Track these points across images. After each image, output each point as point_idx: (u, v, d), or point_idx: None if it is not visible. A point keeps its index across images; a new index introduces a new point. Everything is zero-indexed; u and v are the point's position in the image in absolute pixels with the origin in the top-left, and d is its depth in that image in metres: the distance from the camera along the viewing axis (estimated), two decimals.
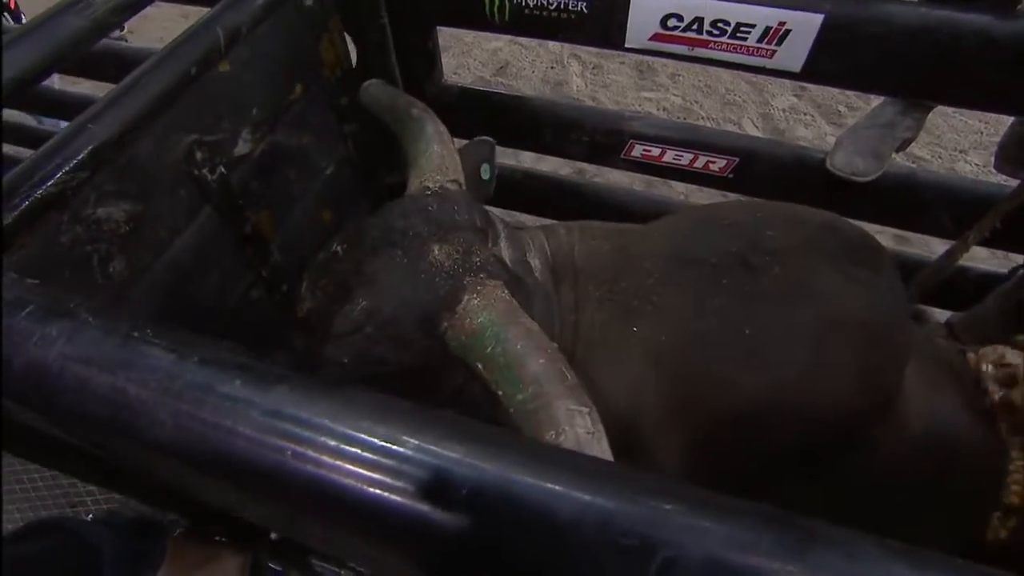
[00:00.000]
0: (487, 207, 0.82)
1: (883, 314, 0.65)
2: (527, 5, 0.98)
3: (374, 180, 1.31)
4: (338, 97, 1.12)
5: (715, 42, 0.94)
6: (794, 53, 0.92)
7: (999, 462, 0.73)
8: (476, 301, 0.62)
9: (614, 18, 0.96)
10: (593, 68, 3.08)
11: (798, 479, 0.65)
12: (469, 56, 3.21)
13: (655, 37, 0.96)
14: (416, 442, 0.34)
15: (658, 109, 2.78)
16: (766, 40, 0.92)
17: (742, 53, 0.95)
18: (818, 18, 0.87)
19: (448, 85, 1.24)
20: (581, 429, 0.48)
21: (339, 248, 0.70)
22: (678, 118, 2.69)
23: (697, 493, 0.31)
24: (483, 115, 1.24)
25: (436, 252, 0.66)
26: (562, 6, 0.98)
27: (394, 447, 0.34)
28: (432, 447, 0.34)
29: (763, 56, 0.94)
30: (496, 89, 2.78)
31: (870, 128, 1.06)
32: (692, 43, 0.95)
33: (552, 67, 3.11)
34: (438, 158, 0.82)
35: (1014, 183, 0.99)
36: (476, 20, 1.02)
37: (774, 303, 0.63)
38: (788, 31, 0.90)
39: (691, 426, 0.64)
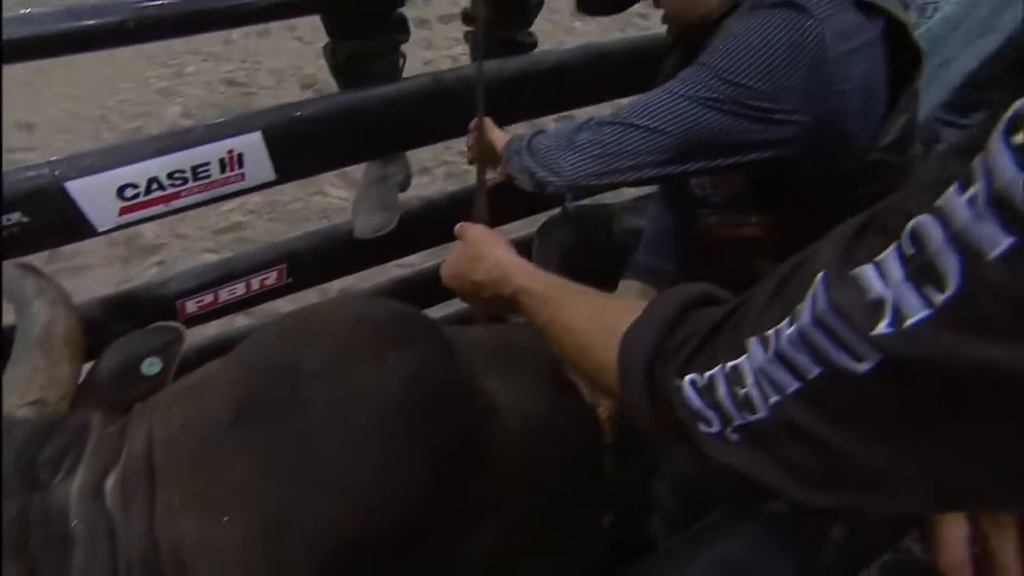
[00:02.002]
0: None
1: (432, 387, 0.69)
2: None
3: None
4: None
5: (185, 190, 0.97)
6: (260, 168, 1.00)
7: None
8: None
9: (67, 215, 0.89)
10: None
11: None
12: None
13: (124, 211, 0.94)
14: None
15: None
16: (228, 169, 0.98)
17: (217, 187, 0.99)
18: (257, 136, 0.97)
19: None
20: None
21: None
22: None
23: None
24: None
25: None
26: (3, 224, 0.88)
27: None
28: None
29: (237, 181, 1.00)
30: None
31: (369, 189, 1.23)
32: (164, 200, 0.96)
33: None
34: (27, 371, 0.68)
35: None
36: None
37: (328, 431, 0.65)
38: (241, 154, 0.98)
39: None
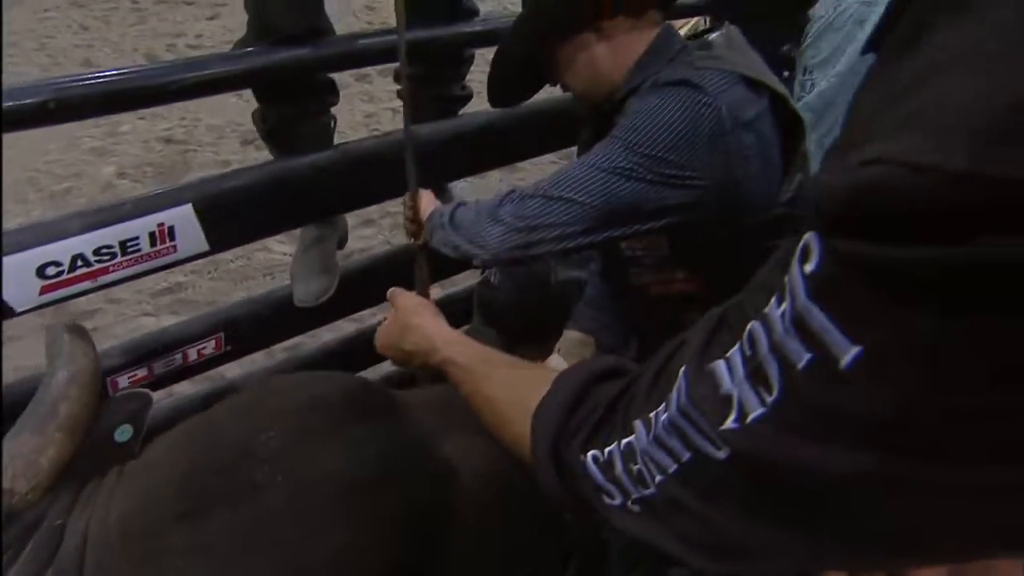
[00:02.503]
0: None
1: (391, 465, 0.70)
2: None
3: None
4: None
5: (114, 264, 0.95)
6: (193, 239, 1.00)
7: None
8: None
9: None
10: None
11: None
12: None
13: (46, 289, 0.91)
14: None
15: None
16: (159, 243, 0.97)
17: (149, 260, 0.98)
18: (187, 208, 0.97)
19: None
20: None
21: None
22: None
23: None
24: None
25: None
26: None
27: None
28: None
29: (169, 254, 0.99)
30: None
31: (306, 252, 1.22)
32: (91, 276, 0.93)
33: None
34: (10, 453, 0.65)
35: None
36: None
37: (288, 518, 0.64)
38: (172, 227, 0.97)
39: None
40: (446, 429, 0.80)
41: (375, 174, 1.08)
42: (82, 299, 2.43)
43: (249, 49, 0.96)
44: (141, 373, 1.10)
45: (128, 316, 2.32)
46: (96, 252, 0.92)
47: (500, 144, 1.22)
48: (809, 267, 0.24)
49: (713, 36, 0.81)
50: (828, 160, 0.25)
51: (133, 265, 0.96)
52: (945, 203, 0.19)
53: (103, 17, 4.60)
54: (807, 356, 0.24)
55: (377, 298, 1.30)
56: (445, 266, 1.17)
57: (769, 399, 0.26)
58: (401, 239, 2.54)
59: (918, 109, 0.21)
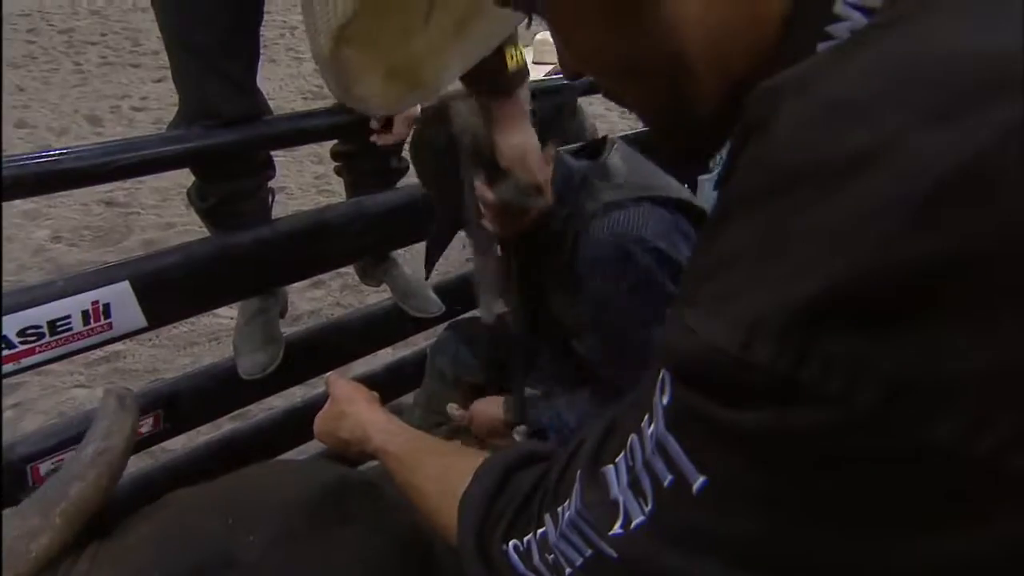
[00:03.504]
0: None
1: (379, 565, 0.70)
2: None
3: None
4: None
5: (41, 345, 0.91)
6: (130, 315, 0.97)
7: None
8: None
9: None
10: None
11: None
12: None
13: None
14: None
15: None
16: (92, 320, 0.94)
17: (81, 339, 0.94)
18: (124, 285, 0.95)
19: None
20: None
21: None
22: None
23: None
24: None
25: None
26: None
27: None
28: None
29: (104, 331, 0.96)
30: None
31: (249, 324, 1.20)
32: (14, 358, 0.89)
33: None
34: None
35: None
36: None
37: None
38: (107, 304, 0.94)
39: None
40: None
41: (318, 245, 1.09)
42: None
43: (190, 130, 0.97)
44: (69, 457, 1.04)
45: (58, 388, 2.19)
46: (22, 334, 0.88)
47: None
48: (665, 400, 0.27)
49: (609, 159, 0.89)
50: (672, 310, 0.28)
51: (68, 343, 0.92)
52: (742, 381, 0.23)
53: (42, 78, 4.52)
54: (669, 477, 0.27)
55: (324, 368, 1.30)
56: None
57: (647, 509, 0.28)
58: (351, 301, 2.53)
59: (716, 295, 0.24)
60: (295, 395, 1.49)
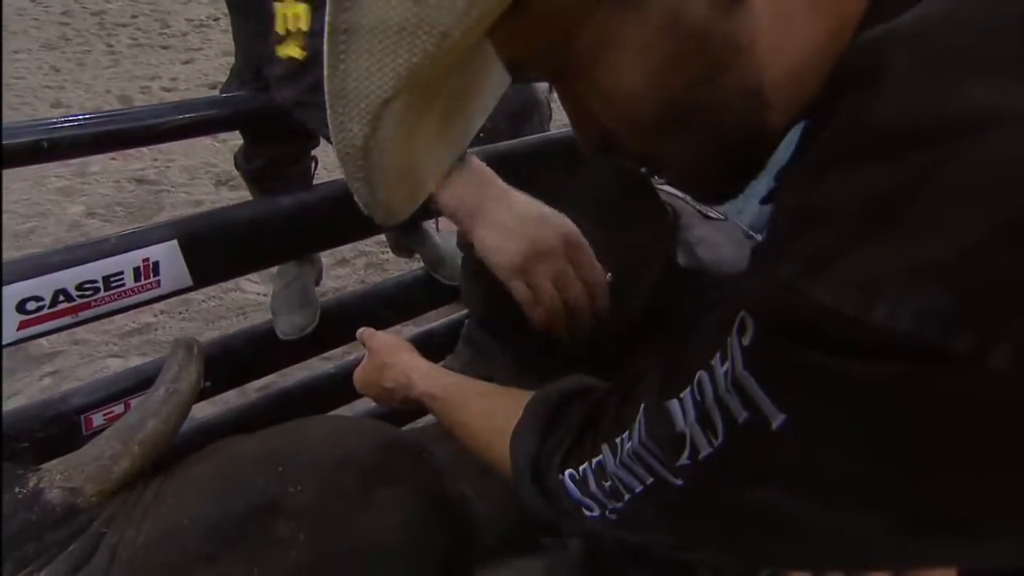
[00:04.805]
0: None
1: (421, 527, 0.72)
2: None
3: None
4: None
5: (96, 300, 0.95)
6: (178, 274, 1.01)
7: None
8: None
9: None
10: None
11: None
12: None
13: (24, 324, 0.91)
14: None
15: None
16: (143, 278, 0.98)
17: (132, 295, 0.98)
18: (172, 244, 0.98)
19: None
20: None
21: None
22: None
23: None
24: None
25: None
26: None
27: None
28: None
29: (152, 288, 1.00)
30: None
31: (286, 289, 1.25)
32: (72, 311, 0.94)
33: None
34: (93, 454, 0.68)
35: None
36: None
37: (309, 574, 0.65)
38: (156, 263, 0.99)
39: None
40: (464, 471, 0.80)
41: (358, 211, 1.12)
42: (44, 340, 2.37)
43: (238, 94, 1.01)
44: (118, 410, 1.09)
45: (94, 357, 2.27)
46: (80, 287, 0.93)
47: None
48: (745, 341, 0.27)
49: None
50: (755, 260, 0.28)
51: (119, 299, 0.96)
52: (854, 337, 0.22)
53: (76, 59, 4.61)
54: (744, 414, 0.27)
55: (353, 336, 1.33)
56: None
57: (716, 442, 0.29)
58: (376, 278, 2.57)
59: (815, 254, 0.23)
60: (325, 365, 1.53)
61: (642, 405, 0.35)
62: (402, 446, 0.79)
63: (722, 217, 0.86)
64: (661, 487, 0.33)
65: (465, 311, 1.32)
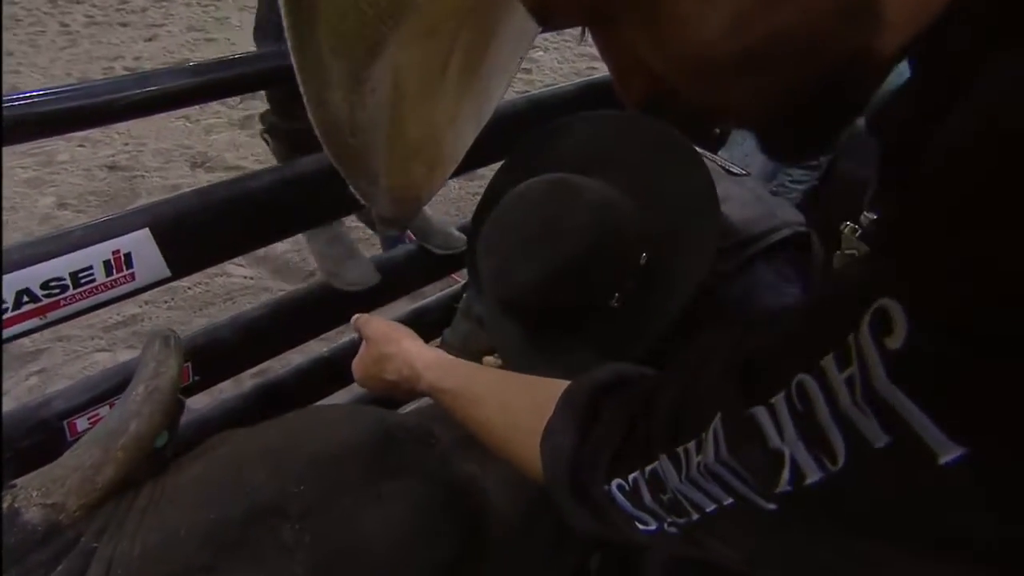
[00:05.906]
0: None
1: (429, 519, 0.68)
2: None
3: None
4: None
5: (65, 298, 0.88)
6: (153, 265, 0.94)
7: None
8: None
9: None
10: None
11: None
12: None
13: None
14: None
15: None
16: (115, 271, 0.91)
17: (104, 291, 0.91)
18: (143, 233, 0.91)
19: None
20: None
21: None
22: None
23: None
24: None
25: None
26: None
27: None
28: None
29: (126, 282, 0.93)
30: None
31: (333, 247, 1.22)
32: (39, 312, 0.87)
33: None
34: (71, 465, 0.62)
35: None
36: None
37: None
38: (128, 254, 0.91)
39: None
40: (470, 450, 0.77)
41: (340, 187, 1.05)
42: (26, 338, 2.31)
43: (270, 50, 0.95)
44: (103, 412, 1.03)
45: (80, 353, 2.20)
46: (45, 286, 0.85)
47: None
48: (893, 343, 0.20)
49: None
50: (900, 231, 0.21)
51: (92, 296, 0.89)
52: None
53: (29, 40, 4.38)
54: (887, 439, 0.21)
55: (343, 319, 1.28)
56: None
57: (832, 468, 0.23)
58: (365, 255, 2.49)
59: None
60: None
61: (718, 416, 0.29)
62: (401, 432, 0.75)
63: (744, 172, 0.79)
64: (745, 510, 0.27)
65: (461, 284, 1.27)
